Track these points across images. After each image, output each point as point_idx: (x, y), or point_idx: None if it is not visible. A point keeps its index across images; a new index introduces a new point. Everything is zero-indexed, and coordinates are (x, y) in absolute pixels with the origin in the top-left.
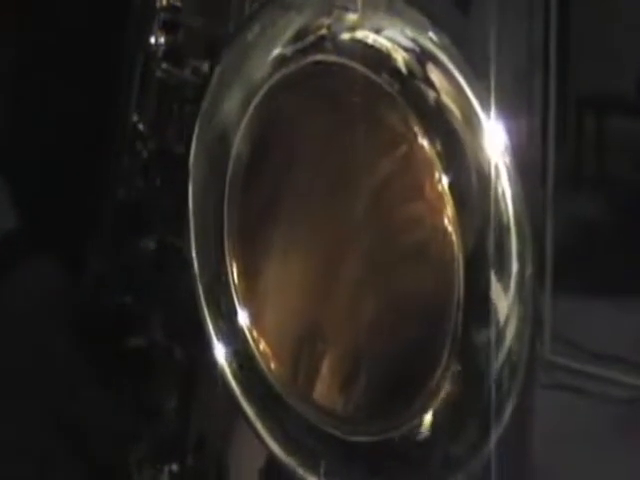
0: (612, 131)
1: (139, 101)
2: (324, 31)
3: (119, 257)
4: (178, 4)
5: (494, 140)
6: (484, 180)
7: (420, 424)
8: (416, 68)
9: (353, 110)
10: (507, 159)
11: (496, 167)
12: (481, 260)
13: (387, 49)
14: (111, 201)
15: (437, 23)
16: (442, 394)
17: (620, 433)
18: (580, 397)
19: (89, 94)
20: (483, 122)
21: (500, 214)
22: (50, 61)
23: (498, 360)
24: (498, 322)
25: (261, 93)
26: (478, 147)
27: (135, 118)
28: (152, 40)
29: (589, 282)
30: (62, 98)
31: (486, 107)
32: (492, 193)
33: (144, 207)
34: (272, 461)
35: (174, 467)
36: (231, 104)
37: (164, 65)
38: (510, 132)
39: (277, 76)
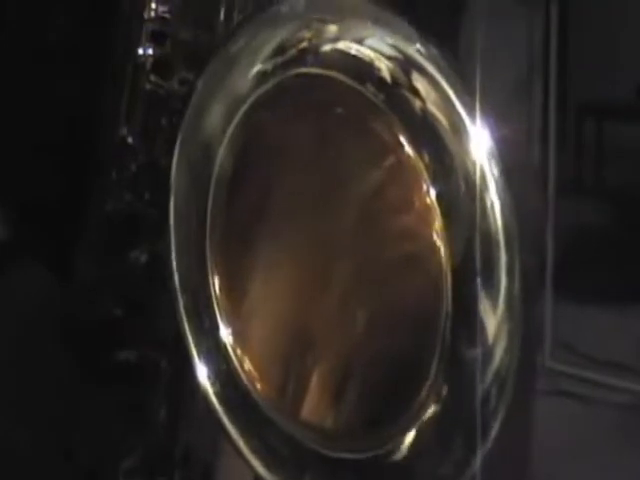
0: (612, 137)
1: (128, 114)
2: (305, 44)
3: (108, 270)
4: (166, 15)
5: (482, 148)
6: (472, 191)
7: (406, 441)
8: (401, 77)
9: (339, 122)
10: (495, 170)
11: (484, 177)
12: (470, 274)
13: (370, 59)
14: (100, 214)
15: (425, 34)
16: (429, 411)
17: (622, 439)
18: (581, 403)
19: (78, 106)
20: (470, 130)
21: (488, 227)
22: (38, 73)
23: (486, 378)
24: (487, 340)
25: (245, 106)
26: (466, 156)
27: (124, 131)
28: (140, 51)
29: (590, 289)
30: (51, 110)
31: (473, 115)
32: (477, 202)
33: (133, 220)
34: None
35: None
36: (215, 117)
37: (152, 77)
38: (499, 142)
39: (260, 90)
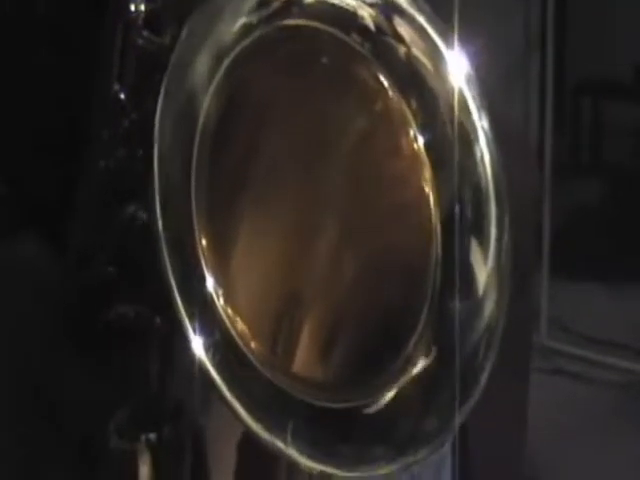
0: (609, 116)
1: (120, 70)
2: None
3: (102, 227)
4: None
5: (463, 81)
6: (460, 137)
7: (392, 393)
8: (384, 23)
9: (324, 73)
10: (485, 122)
11: (474, 129)
12: (461, 222)
13: (353, 7)
14: (93, 171)
15: None
16: (417, 363)
17: (618, 418)
18: (578, 382)
19: (69, 63)
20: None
21: (478, 179)
22: (29, 30)
23: (475, 331)
24: (476, 291)
25: (230, 58)
26: (452, 100)
27: (116, 87)
28: (132, 7)
29: (586, 267)
30: (41, 68)
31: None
32: (465, 150)
33: (126, 177)
34: (248, 431)
35: (151, 436)
36: (200, 68)
37: (144, 33)
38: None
39: (246, 41)
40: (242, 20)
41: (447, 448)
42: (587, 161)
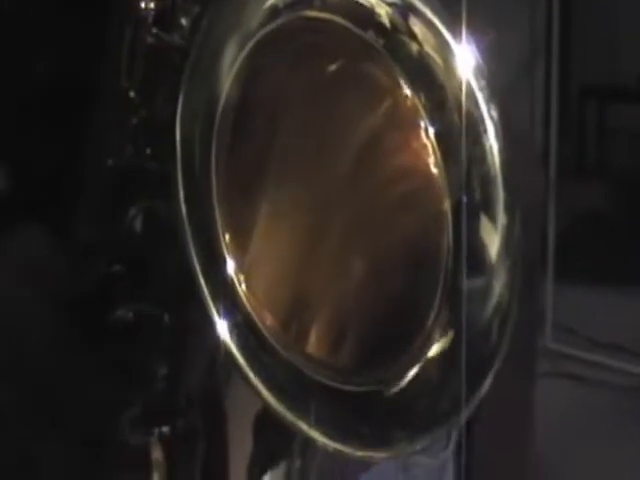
0: (614, 120)
1: (129, 67)
2: None
3: (108, 225)
4: None
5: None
6: (469, 128)
7: (410, 376)
8: (399, 22)
9: (340, 66)
10: (494, 113)
11: (482, 120)
12: (469, 209)
13: (371, 4)
14: (101, 169)
15: None
16: (432, 345)
17: (623, 421)
18: (583, 385)
19: (79, 61)
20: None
21: (487, 168)
22: (39, 27)
23: (486, 310)
24: (487, 273)
25: (252, 42)
26: (461, 95)
27: (125, 85)
28: (142, 5)
29: (591, 270)
30: (51, 65)
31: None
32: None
33: (134, 175)
34: (263, 419)
35: (164, 429)
36: (220, 56)
37: (154, 30)
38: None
39: (266, 29)
40: (269, 2)
41: (450, 451)
42: (592, 165)
